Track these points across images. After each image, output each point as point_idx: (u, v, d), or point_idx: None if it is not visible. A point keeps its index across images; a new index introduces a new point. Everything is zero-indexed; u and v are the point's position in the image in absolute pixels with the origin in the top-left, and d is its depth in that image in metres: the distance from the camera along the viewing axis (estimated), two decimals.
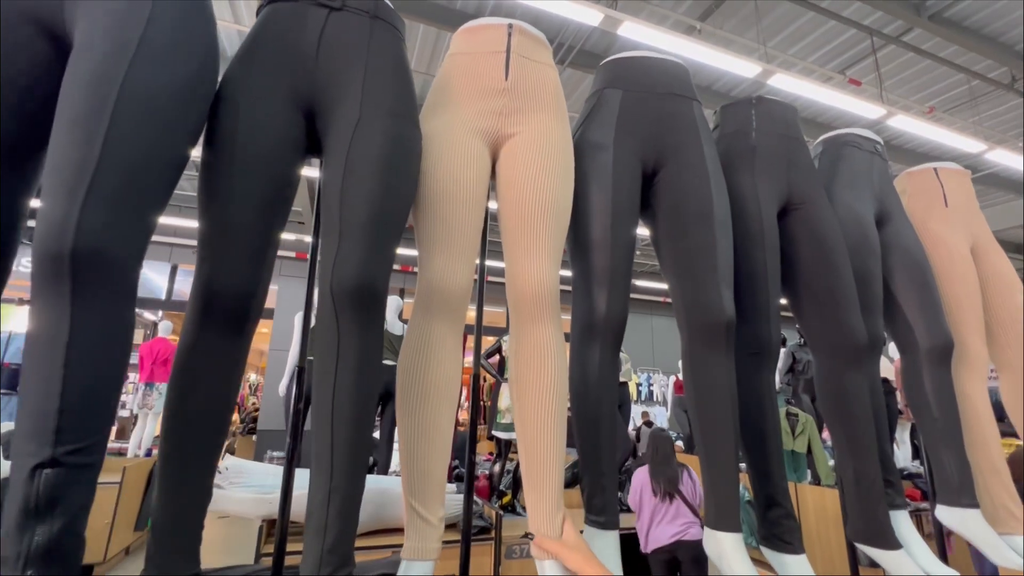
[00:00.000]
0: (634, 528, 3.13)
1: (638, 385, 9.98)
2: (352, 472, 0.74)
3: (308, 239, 7.48)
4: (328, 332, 0.77)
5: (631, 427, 7.84)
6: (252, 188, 0.82)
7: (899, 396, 4.38)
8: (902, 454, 4.88)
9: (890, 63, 4.70)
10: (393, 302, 3.88)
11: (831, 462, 4.28)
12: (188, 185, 6.75)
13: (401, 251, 0.88)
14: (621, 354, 4.35)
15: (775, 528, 1.09)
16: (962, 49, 4.39)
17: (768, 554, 1.09)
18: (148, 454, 4.67)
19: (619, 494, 3.89)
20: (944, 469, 1.30)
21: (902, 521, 1.21)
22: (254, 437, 7.91)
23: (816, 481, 4.09)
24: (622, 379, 4.36)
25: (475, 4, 4.25)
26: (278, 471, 2.89)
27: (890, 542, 1.11)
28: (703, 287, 1.04)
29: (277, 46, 0.90)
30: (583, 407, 1.04)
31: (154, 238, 0.74)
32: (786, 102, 1.35)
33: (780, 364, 5.14)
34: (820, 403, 1.23)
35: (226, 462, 2.39)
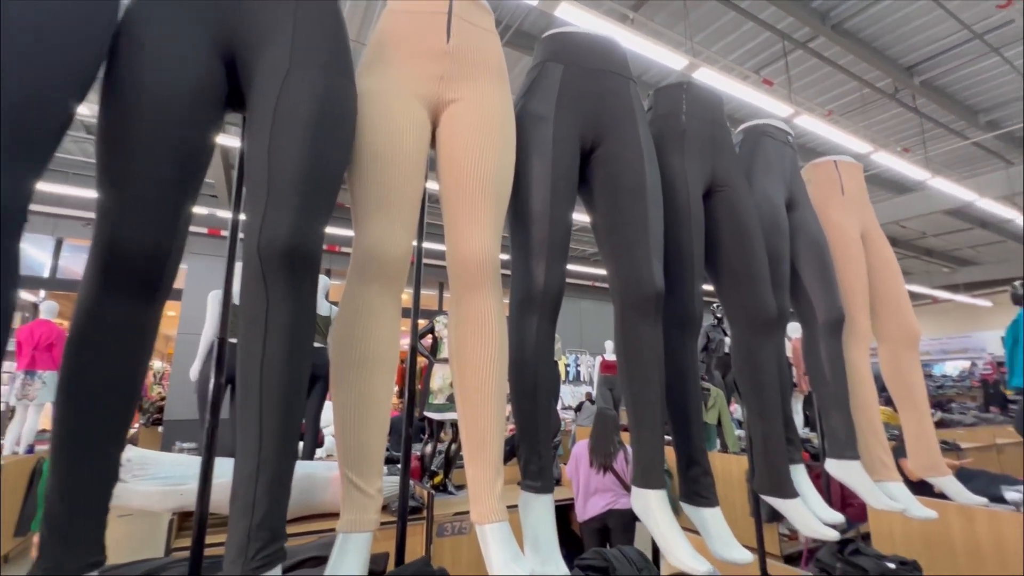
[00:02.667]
0: (568, 499, 3.27)
1: (566, 366, 10.34)
2: (282, 446, 0.70)
3: (222, 213, 6.87)
4: (255, 300, 0.72)
5: (560, 405, 8.16)
6: (163, 141, 0.73)
7: (794, 371, 4.89)
8: (796, 423, 5.45)
9: (798, 67, 5.12)
10: (320, 281, 3.69)
11: (737, 432, 4.71)
12: (76, 149, 5.96)
13: (327, 230, 0.83)
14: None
15: (694, 485, 1.18)
16: (857, 59, 4.87)
17: (688, 509, 1.19)
18: (30, 451, 4.15)
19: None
20: (833, 427, 1.48)
21: (799, 474, 1.36)
22: (160, 429, 7.28)
23: (724, 449, 4.48)
24: (553, 358, 4.47)
25: None
26: (189, 460, 2.68)
27: (789, 492, 1.24)
28: (635, 260, 1.09)
29: None
30: (521, 377, 1.05)
31: (35, 208, 0.63)
32: (713, 89, 1.43)
33: None
34: (735, 370, 1.34)
35: (128, 453, 2.19)
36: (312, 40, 0.83)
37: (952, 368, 12.89)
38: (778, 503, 1.25)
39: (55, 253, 7.25)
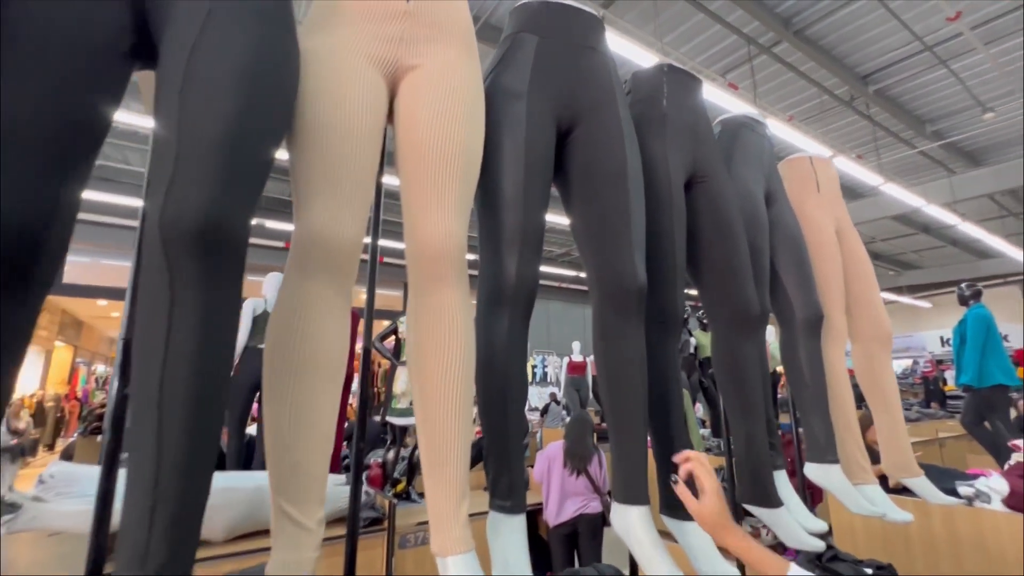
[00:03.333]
0: (537, 504, 3.17)
1: (533, 367, 10.27)
2: (188, 479, 0.55)
3: None
4: (157, 294, 0.56)
5: (527, 407, 8.06)
6: (40, 101, 0.57)
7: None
8: None
9: (762, 71, 5.21)
10: (274, 279, 3.43)
11: (701, 431, 4.73)
12: None
13: (284, 226, 0.71)
14: None
15: (676, 497, 1.09)
16: (817, 65, 5.00)
17: (669, 523, 1.09)
18: None
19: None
20: (813, 430, 1.42)
21: (781, 480, 1.29)
22: (99, 438, 6.74)
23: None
24: None
25: None
26: (123, 475, 2.43)
27: (773, 501, 1.17)
28: (616, 251, 0.99)
29: None
30: (489, 381, 0.93)
31: None
32: (694, 75, 1.36)
33: None
34: (716, 370, 1.27)
35: (52, 469, 1.94)
36: None
37: (896, 366, 13.57)
38: (762, 512, 1.18)
39: None
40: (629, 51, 3.55)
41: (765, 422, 1.22)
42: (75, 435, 7.14)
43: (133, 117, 3.87)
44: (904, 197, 6.19)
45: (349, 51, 0.84)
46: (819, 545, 1.13)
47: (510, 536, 0.87)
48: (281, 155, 0.85)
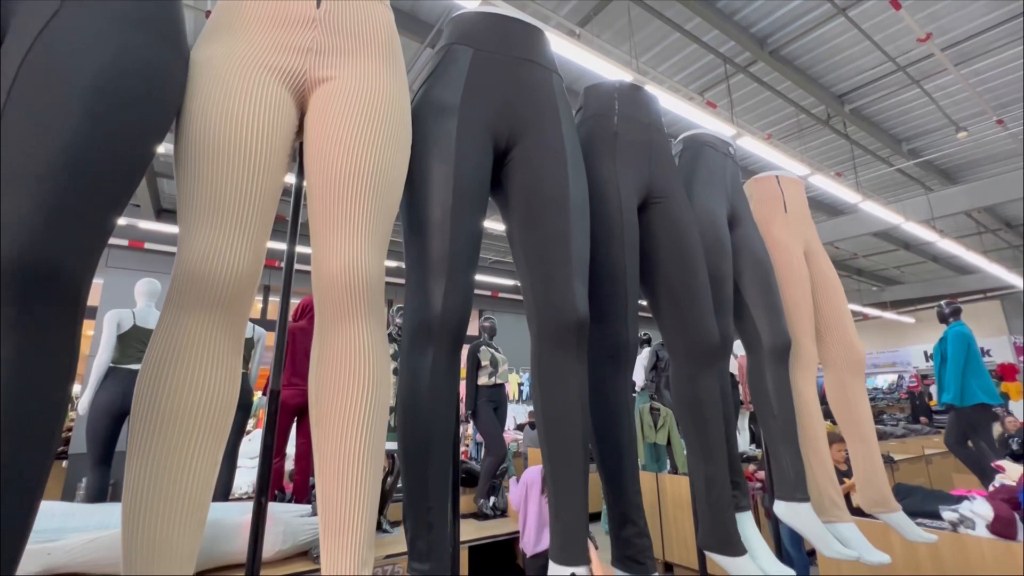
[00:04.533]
0: (513, 533, 3.03)
1: (520, 384, 10.11)
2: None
3: (145, 224, 6.30)
4: None
5: (512, 425, 7.88)
6: None
7: (740, 389, 4.90)
8: (742, 439, 5.47)
9: (740, 90, 5.25)
10: (147, 286, 3.03)
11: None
12: None
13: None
14: (497, 354, 4.23)
15: (628, 549, 0.99)
16: (793, 85, 5.04)
17: None
18: None
19: (493, 499, 3.80)
20: (782, 465, 1.34)
21: (746, 523, 1.20)
22: (64, 463, 6.45)
23: (674, 470, 4.38)
24: (499, 380, 4.26)
25: None
26: (62, 509, 2.26)
27: (736, 549, 1.07)
28: (555, 282, 0.91)
29: None
30: (411, 426, 0.83)
31: None
32: (649, 92, 1.29)
33: (644, 363, 5.46)
34: (674, 405, 1.18)
35: None
36: None
37: (882, 381, 13.61)
38: (723, 561, 1.08)
39: None
40: (606, 70, 3.53)
41: (727, 462, 1.13)
42: None
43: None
44: (883, 214, 6.23)
45: (248, 62, 0.75)
46: None
47: None
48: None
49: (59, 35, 0.56)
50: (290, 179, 0.92)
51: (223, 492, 2.96)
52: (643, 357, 5.49)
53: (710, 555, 1.12)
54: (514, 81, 1.00)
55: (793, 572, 1.12)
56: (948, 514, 2.85)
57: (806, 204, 1.74)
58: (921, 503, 3.03)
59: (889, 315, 12.20)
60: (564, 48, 3.37)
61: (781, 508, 1.34)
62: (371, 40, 0.85)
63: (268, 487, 0.87)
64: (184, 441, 0.63)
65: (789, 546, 2.79)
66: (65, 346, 0.52)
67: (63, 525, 2.19)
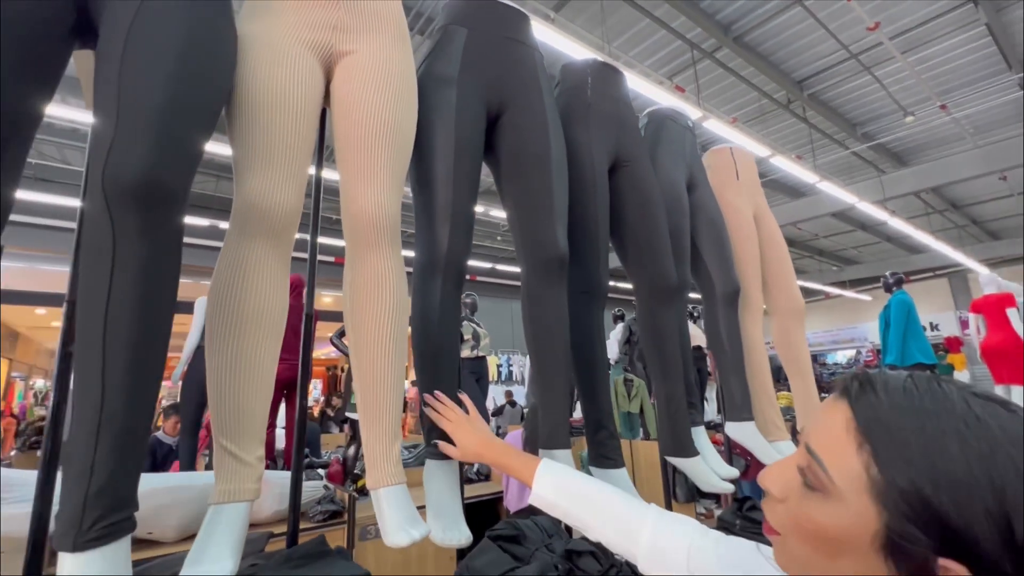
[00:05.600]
0: (497, 493, 3.24)
1: (499, 366, 10.37)
2: (132, 400, 0.61)
3: None
4: (100, 240, 0.63)
5: (492, 405, 8.12)
6: None
7: (708, 360, 5.23)
8: (711, 409, 5.83)
9: (706, 76, 5.50)
10: None
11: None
12: None
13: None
14: (479, 329, 4.41)
15: (601, 448, 1.20)
16: (756, 71, 5.31)
17: (596, 472, 1.21)
18: None
19: (476, 464, 4.02)
20: (731, 391, 1.57)
21: (700, 435, 1.43)
22: (39, 453, 6.36)
23: (647, 436, 4.68)
24: (481, 353, 4.47)
25: None
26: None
27: (690, 451, 1.30)
28: (540, 224, 1.10)
29: None
30: (423, 342, 1.02)
31: None
32: (617, 69, 1.48)
33: (619, 336, 5.73)
34: (640, 337, 1.39)
35: None
36: None
37: (842, 356, 14.41)
38: (680, 462, 1.31)
39: None
40: (580, 54, 3.71)
41: (683, 383, 1.35)
42: (12, 453, 6.72)
43: (74, 113, 3.75)
44: (839, 195, 6.63)
45: (285, 36, 0.91)
46: (729, 488, 1.27)
47: (443, 479, 0.96)
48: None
49: (147, 23, 0.71)
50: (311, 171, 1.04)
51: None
52: (617, 331, 5.76)
53: (669, 459, 1.34)
54: (503, 58, 1.18)
55: (736, 471, 1.36)
56: None
57: (756, 173, 1.97)
58: None
59: (848, 293, 12.90)
60: (540, 32, 3.53)
61: (731, 427, 1.58)
62: (385, 20, 1.01)
63: (301, 461, 0.99)
64: (252, 335, 0.80)
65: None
66: (176, 251, 0.68)
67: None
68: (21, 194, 0.67)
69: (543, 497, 0.70)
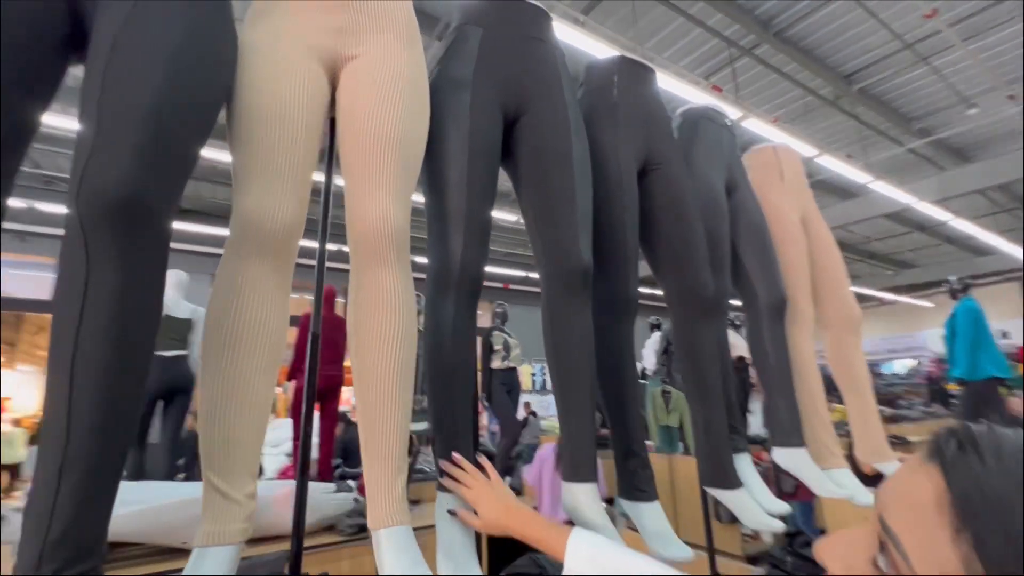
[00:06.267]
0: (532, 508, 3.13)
1: (532, 375, 10.24)
2: (101, 440, 0.56)
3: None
4: (74, 265, 0.58)
5: (521, 414, 8.01)
6: None
7: (751, 371, 4.95)
8: (756, 422, 5.52)
9: (745, 73, 5.28)
10: (174, 277, 3.20)
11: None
12: None
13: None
14: (510, 339, 4.32)
15: (632, 478, 1.09)
16: (799, 66, 5.05)
17: (626, 505, 1.10)
18: None
19: (509, 479, 3.92)
20: (778, 413, 1.42)
21: (744, 463, 1.29)
22: None
23: (687, 451, 4.46)
24: (511, 364, 4.37)
25: None
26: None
27: (732, 482, 1.17)
28: (562, 232, 1.01)
29: None
30: (436, 359, 0.94)
31: None
32: (647, 64, 1.38)
33: (656, 347, 5.53)
34: (675, 354, 1.28)
35: None
36: None
37: (900, 366, 13.50)
38: (721, 494, 1.18)
39: None
40: (607, 54, 3.61)
41: (724, 406, 1.22)
42: None
43: None
44: (894, 195, 6.22)
45: (287, 42, 0.86)
46: (779, 526, 1.13)
47: (456, 521, 0.87)
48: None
49: (138, 24, 0.67)
50: (319, 177, 1.00)
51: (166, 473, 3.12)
52: (654, 342, 5.56)
53: (709, 490, 1.21)
54: (520, 57, 1.10)
55: (787, 506, 1.21)
56: None
57: (802, 173, 1.81)
58: None
59: (905, 299, 12.11)
60: (569, 35, 3.44)
61: (779, 453, 1.42)
62: (393, 21, 0.95)
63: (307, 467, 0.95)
64: (247, 359, 0.74)
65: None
66: (157, 271, 0.64)
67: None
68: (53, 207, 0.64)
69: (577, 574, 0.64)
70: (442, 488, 0.90)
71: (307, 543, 2.35)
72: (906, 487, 0.31)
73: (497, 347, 4.33)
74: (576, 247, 0.99)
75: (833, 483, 1.38)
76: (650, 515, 1.04)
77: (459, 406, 0.93)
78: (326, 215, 1.06)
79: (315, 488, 2.83)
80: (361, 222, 0.83)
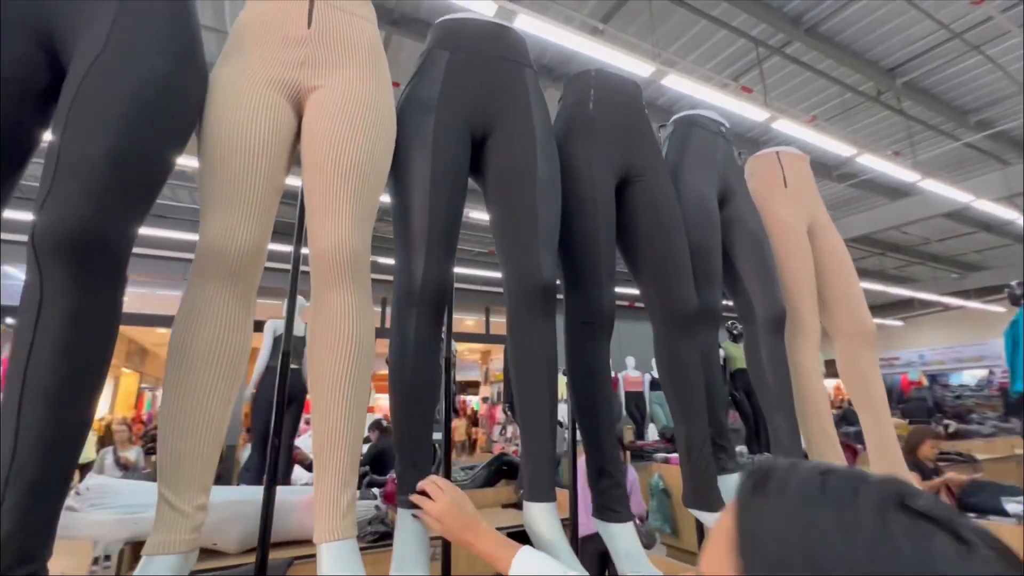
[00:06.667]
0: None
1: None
2: (43, 456, 0.61)
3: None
4: (31, 289, 0.64)
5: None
6: None
7: None
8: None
9: (777, 73, 5.08)
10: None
11: (738, 448, 4.50)
12: None
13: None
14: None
15: (604, 498, 1.07)
16: (835, 63, 4.82)
17: (599, 525, 1.08)
18: None
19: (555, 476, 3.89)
20: (777, 431, 1.36)
21: (732, 484, 1.23)
22: (153, 458, 7.16)
23: None
24: None
25: None
26: (149, 488, 2.60)
27: (714, 504, 1.12)
28: (523, 251, 1.01)
29: None
30: (398, 379, 0.97)
31: None
32: (628, 76, 1.37)
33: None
34: (658, 369, 1.24)
35: (88, 482, 2.12)
36: (136, 23, 0.78)
37: (969, 377, 12.44)
38: (703, 516, 1.13)
39: None
40: (630, 65, 3.57)
41: (707, 424, 1.18)
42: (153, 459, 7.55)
43: (181, 158, 4.21)
44: (949, 193, 5.79)
45: (251, 78, 0.92)
46: None
47: (411, 531, 0.89)
48: (291, 181, 0.95)
49: (103, 67, 0.73)
50: (296, 182, 1.06)
51: (282, 476, 3.35)
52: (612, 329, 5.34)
53: (692, 511, 1.17)
54: (487, 77, 1.12)
55: None
56: (1012, 506, 2.67)
57: (810, 178, 1.73)
58: (991, 499, 2.85)
59: (973, 304, 11.19)
60: (585, 46, 3.44)
61: None
62: (355, 51, 0.99)
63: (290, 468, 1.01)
64: (201, 377, 0.79)
65: None
66: (110, 302, 0.69)
67: (148, 501, 2.53)
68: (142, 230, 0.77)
69: None
70: (401, 504, 0.92)
71: (302, 552, 2.35)
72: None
73: None
74: (536, 265, 0.99)
75: None
76: (621, 535, 1.02)
77: (418, 429, 0.94)
78: (301, 222, 1.10)
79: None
80: (317, 247, 0.87)
